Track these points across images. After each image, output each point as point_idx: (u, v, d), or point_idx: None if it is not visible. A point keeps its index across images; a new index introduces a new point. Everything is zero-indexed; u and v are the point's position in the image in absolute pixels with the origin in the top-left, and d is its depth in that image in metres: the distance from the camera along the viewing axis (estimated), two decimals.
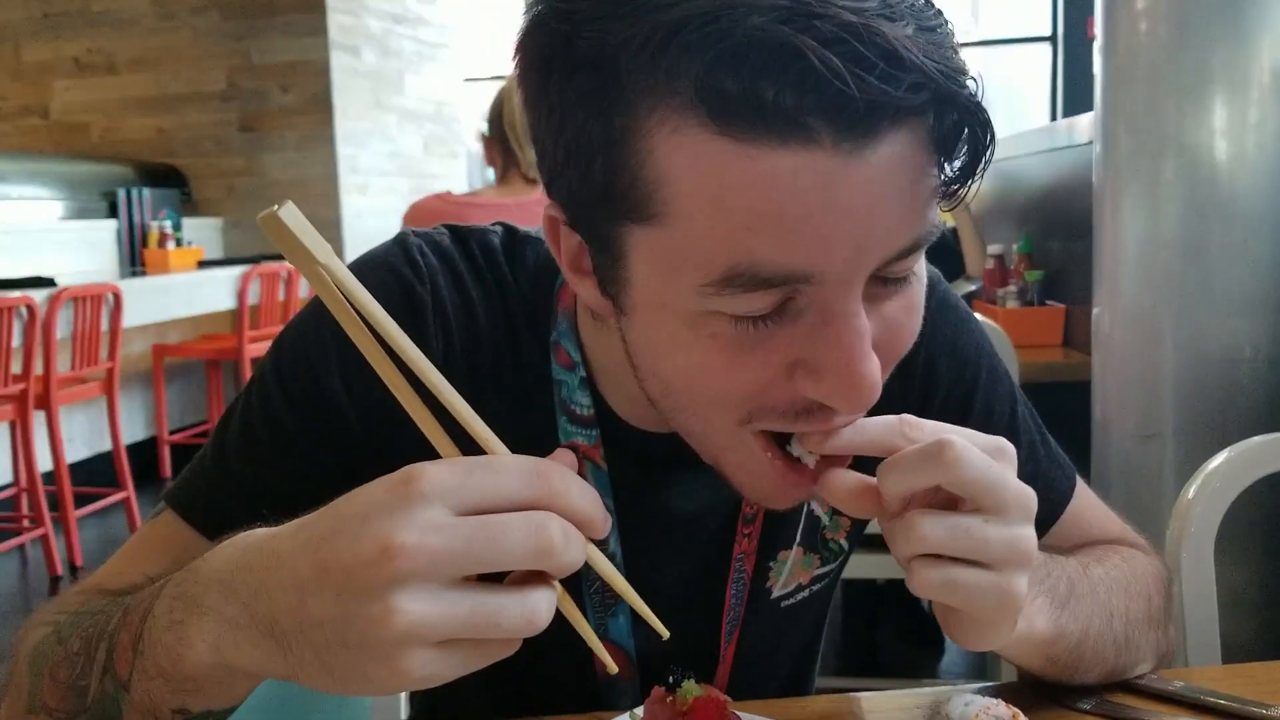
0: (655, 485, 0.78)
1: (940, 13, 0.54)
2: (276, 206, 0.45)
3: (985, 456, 0.56)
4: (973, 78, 0.53)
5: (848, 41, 0.48)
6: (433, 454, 0.52)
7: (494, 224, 0.80)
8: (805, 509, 0.82)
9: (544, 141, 0.59)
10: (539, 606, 0.48)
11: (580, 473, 0.71)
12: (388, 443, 0.67)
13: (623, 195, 0.55)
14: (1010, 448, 0.60)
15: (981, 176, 0.55)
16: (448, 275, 0.75)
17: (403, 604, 0.45)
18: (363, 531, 0.46)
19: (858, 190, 0.51)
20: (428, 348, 0.72)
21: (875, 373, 0.56)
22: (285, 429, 0.74)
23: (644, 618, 0.57)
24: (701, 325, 0.57)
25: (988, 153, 0.53)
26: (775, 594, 0.83)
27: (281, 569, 0.49)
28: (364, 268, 0.75)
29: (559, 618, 0.51)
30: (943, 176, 0.54)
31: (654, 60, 0.51)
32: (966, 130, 0.52)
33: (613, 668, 0.56)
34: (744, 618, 0.82)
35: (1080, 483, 0.89)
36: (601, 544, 0.75)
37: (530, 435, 0.65)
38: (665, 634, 0.57)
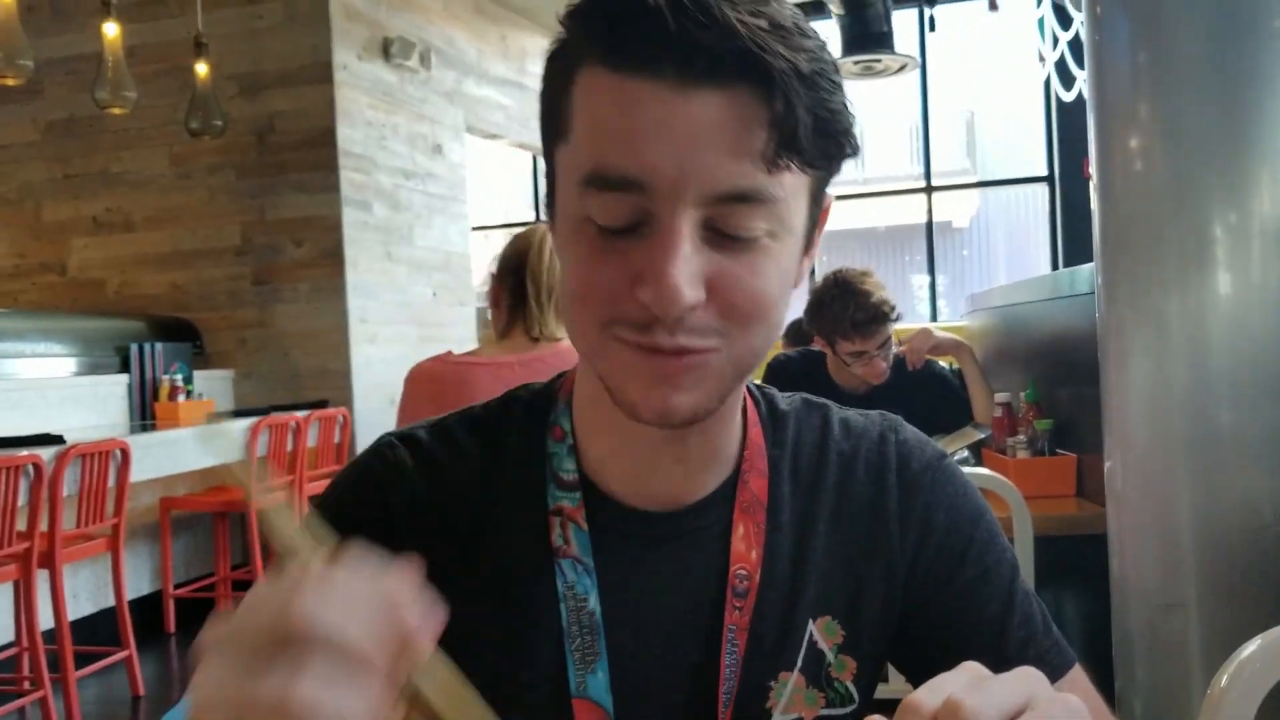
0: (638, 555, 0.80)
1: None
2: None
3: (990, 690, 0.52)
4: (816, 56, 0.67)
5: (689, 9, 0.64)
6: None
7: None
8: (807, 637, 0.80)
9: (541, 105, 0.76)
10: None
11: (565, 535, 0.80)
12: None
13: (556, 121, 0.72)
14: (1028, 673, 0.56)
15: (812, 147, 0.67)
16: (419, 452, 0.83)
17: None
18: None
19: (685, 119, 0.65)
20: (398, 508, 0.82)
21: (681, 280, 0.66)
22: None
23: None
24: (579, 230, 0.70)
25: (803, 125, 0.66)
26: (776, 716, 0.80)
27: None
28: (348, 467, 0.86)
29: None
30: (774, 143, 0.66)
31: (577, 20, 0.70)
32: (784, 97, 0.65)
33: None
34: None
35: (1079, 670, 0.85)
36: (581, 600, 0.78)
37: (527, 520, 0.79)
38: None
